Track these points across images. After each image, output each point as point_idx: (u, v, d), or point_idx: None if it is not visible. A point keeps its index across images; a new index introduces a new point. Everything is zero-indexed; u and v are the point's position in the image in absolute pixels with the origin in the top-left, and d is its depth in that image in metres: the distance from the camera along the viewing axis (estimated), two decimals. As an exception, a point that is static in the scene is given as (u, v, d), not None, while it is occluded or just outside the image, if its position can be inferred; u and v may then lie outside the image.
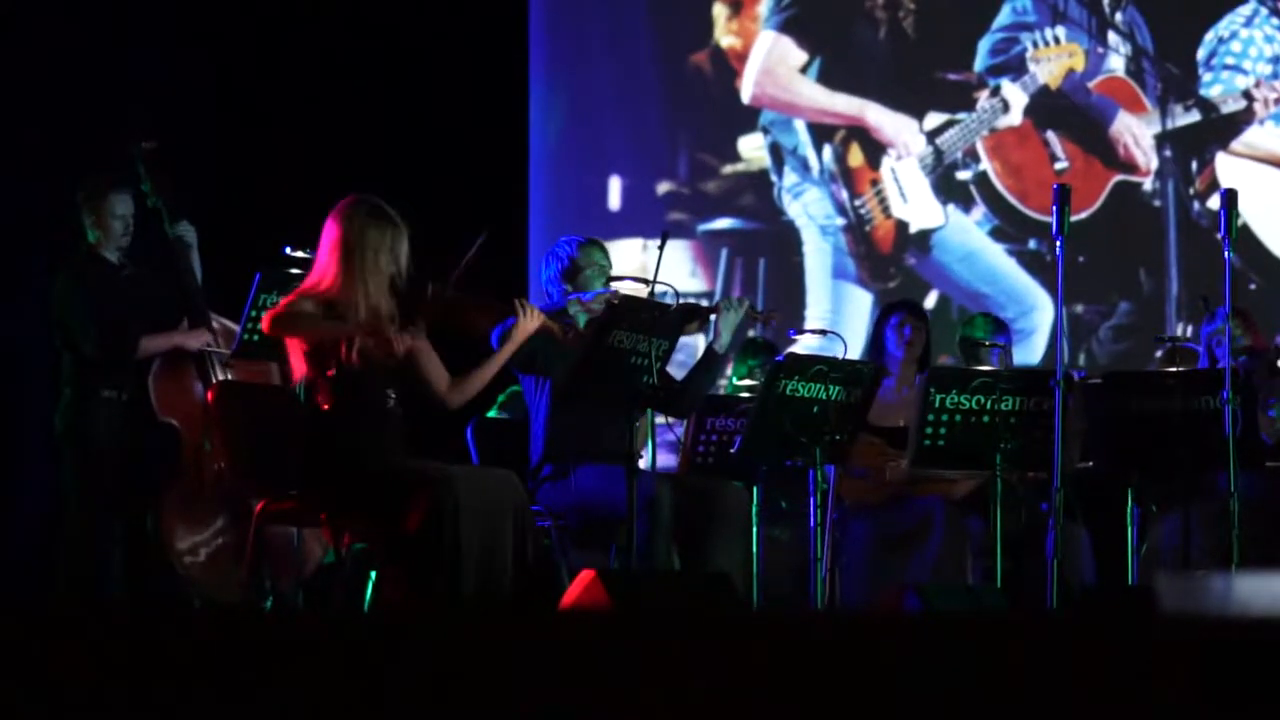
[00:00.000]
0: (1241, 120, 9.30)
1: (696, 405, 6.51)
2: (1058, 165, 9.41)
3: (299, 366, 5.56)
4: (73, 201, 6.82)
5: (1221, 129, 9.31)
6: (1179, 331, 8.83)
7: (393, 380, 5.61)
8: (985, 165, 9.47)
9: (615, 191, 9.60)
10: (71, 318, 6.68)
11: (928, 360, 7.21)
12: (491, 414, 7.50)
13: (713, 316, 6.29)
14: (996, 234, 9.45)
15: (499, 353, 5.82)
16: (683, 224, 9.50)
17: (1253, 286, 9.05)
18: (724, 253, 9.54)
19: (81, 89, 8.21)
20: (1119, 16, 9.39)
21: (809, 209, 9.53)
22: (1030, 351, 9.24)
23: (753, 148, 9.60)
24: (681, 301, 6.30)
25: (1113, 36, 9.41)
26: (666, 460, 7.43)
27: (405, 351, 5.57)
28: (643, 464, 6.56)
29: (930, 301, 9.39)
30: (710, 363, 6.35)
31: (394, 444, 5.60)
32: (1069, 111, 9.45)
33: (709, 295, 9.36)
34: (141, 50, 8.40)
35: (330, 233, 5.57)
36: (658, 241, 6.59)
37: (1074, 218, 6.01)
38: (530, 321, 5.82)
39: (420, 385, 5.69)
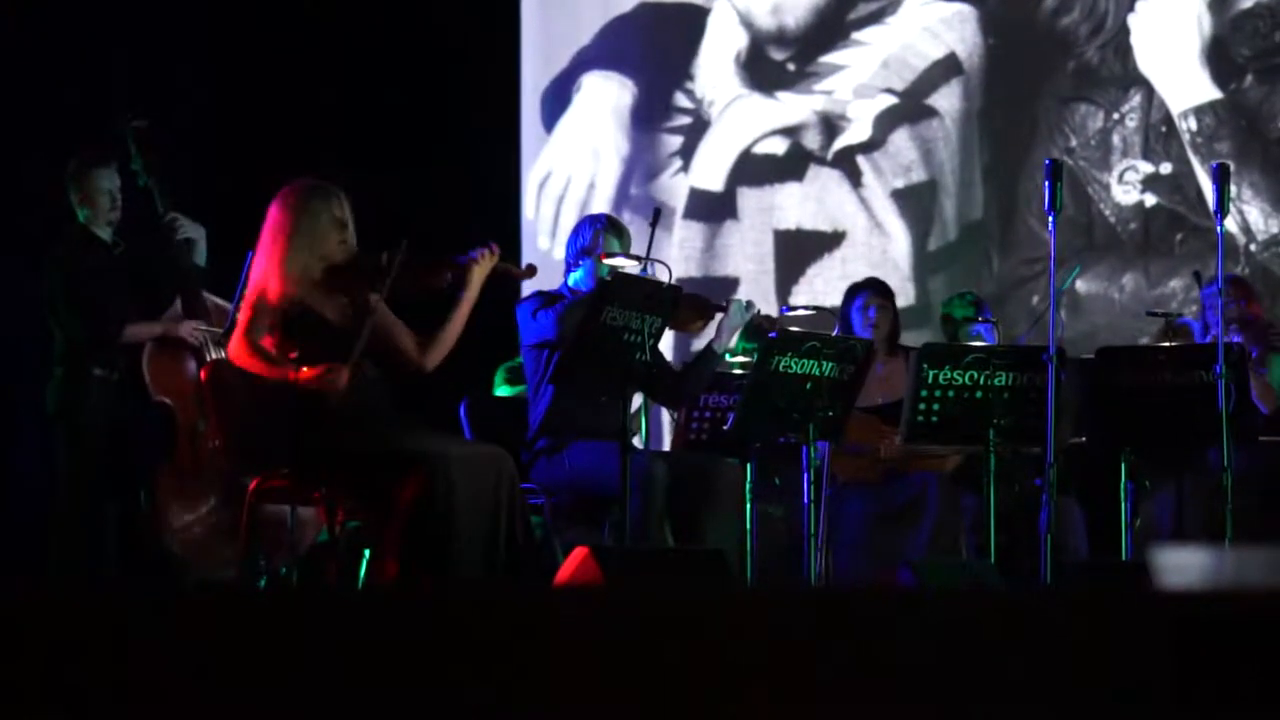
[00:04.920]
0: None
1: (691, 398, 6.54)
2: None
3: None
4: (61, 182, 6.81)
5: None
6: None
7: (365, 354, 5.61)
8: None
9: (606, 164, 9.55)
10: (60, 296, 6.68)
11: (897, 337, 7.22)
12: (497, 391, 7.53)
13: (718, 315, 6.32)
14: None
15: (460, 305, 5.77)
16: (674, 199, 9.45)
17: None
18: (716, 226, 9.50)
19: (73, 68, 8.18)
20: None
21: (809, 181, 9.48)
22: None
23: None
24: (691, 293, 6.34)
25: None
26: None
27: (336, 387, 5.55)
28: (636, 441, 6.57)
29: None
30: (708, 359, 6.36)
31: (381, 415, 5.59)
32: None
33: (703, 282, 9.33)
34: (133, 28, 8.37)
35: (269, 220, 5.62)
36: (649, 218, 6.59)
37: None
38: (484, 265, 5.78)
39: (391, 355, 5.69)
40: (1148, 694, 2.05)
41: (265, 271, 5.61)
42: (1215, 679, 2.02)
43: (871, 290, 7.19)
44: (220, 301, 6.79)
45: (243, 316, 5.64)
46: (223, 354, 6.66)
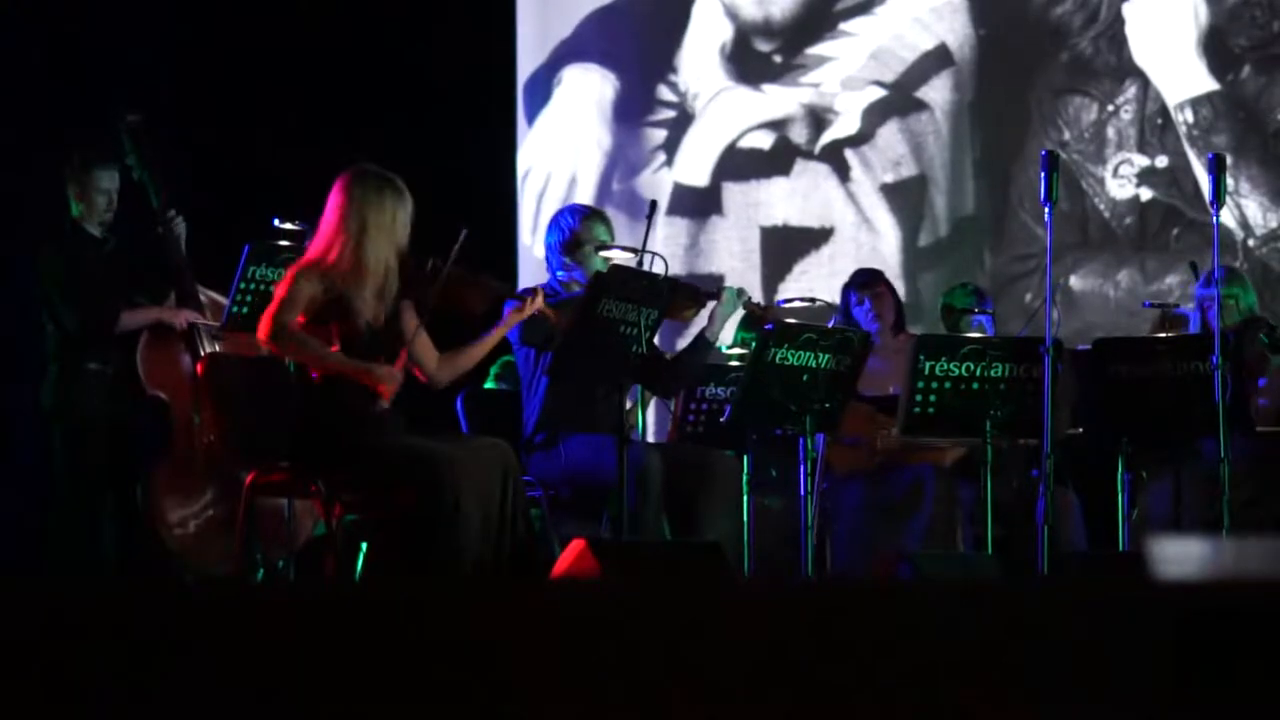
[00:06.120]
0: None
1: (682, 386, 6.53)
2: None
3: None
4: (57, 177, 6.80)
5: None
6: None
7: (381, 353, 5.61)
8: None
9: (588, 159, 9.47)
10: (53, 292, 6.68)
11: (903, 320, 7.19)
12: (488, 385, 7.52)
13: (710, 303, 6.31)
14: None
15: (491, 333, 5.82)
16: (658, 194, 9.38)
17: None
18: (701, 222, 9.43)
19: (65, 63, 8.18)
20: None
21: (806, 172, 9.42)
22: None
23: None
24: (683, 281, 6.34)
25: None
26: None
27: (391, 391, 5.56)
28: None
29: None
30: (699, 347, 6.36)
31: (386, 416, 5.60)
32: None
33: (687, 279, 9.29)
34: (126, 22, 8.37)
35: (334, 202, 5.57)
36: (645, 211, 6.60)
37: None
38: (527, 305, 5.83)
39: (409, 363, 5.70)
40: (1146, 685, 2.05)
41: (337, 247, 5.53)
42: (1214, 670, 2.02)
43: (857, 286, 7.14)
44: (217, 297, 6.79)
45: (281, 290, 5.54)
46: (217, 348, 6.66)
